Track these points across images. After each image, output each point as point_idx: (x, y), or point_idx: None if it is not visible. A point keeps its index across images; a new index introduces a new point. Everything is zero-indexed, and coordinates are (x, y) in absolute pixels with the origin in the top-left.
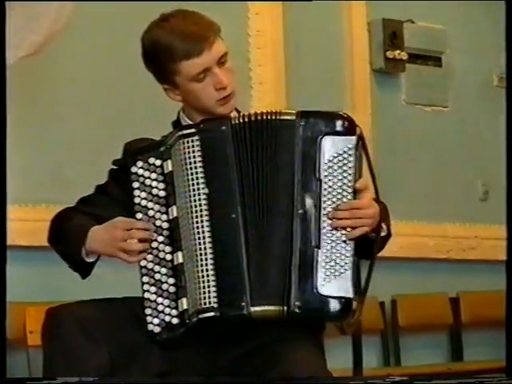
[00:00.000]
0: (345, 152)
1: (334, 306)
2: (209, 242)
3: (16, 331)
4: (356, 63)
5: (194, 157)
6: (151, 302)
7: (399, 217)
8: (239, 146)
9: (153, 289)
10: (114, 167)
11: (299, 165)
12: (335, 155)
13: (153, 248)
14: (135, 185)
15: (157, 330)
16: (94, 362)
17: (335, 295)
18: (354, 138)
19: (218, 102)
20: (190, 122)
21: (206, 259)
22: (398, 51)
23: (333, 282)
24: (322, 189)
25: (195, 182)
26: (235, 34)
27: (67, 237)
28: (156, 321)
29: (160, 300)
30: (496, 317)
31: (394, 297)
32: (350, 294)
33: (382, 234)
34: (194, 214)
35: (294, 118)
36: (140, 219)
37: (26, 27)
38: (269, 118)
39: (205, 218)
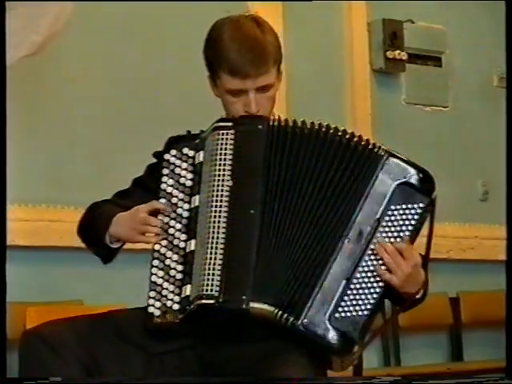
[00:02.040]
0: (413, 208)
1: (337, 339)
2: (222, 233)
3: (16, 331)
4: (356, 63)
5: (226, 149)
6: (157, 285)
7: None
8: (272, 146)
9: (161, 273)
10: (153, 162)
11: (364, 195)
12: (403, 206)
13: (169, 234)
14: (165, 171)
15: (157, 313)
16: (64, 373)
17: (342, 330)
18: (426, 199)
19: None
20: None
21: (217, 248)
22: (398, 51)
23: (346, 316)
24: (376, 230)
25: (221, 173)
26: None
27: (94, 223)
28: (158, 304)
29: (166, 285)
30: (496, 317)
31: None
32: (356, 338)
33: (416, 296)
34: (214, 204)
35: (382, 153)
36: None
37: (26, 27)
38: (331, 131)
39: (223, 209)
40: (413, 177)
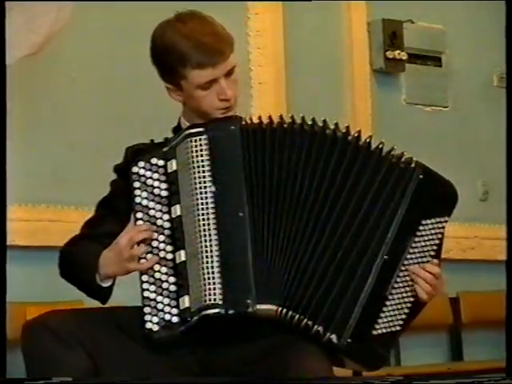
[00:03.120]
0: (440, 222)
1: (373, 357)
2: (215, 240)
3: (16, 331)
4: (356, 63)
5: (202, 155)
6: (150, 300)
7: None
8: (249, 145)
9: (152, 287)
10: (115, 178)
11: (399, 209)
12: (433, 220)
13: (153, 247)
14: (136, 184)
15: (155, 328)
16: (72, 365)
17: (379, 349)
18: (450, 213)
19: (218, 110)
20: None
21: (212, 256)
22: (398, 51)
23: (382, 334)
24: (409, 245)
25: (202, 180)
26: (235, 33)
27: (79, 269)
28: (155, 319)
29: (160, 299)
30: (496, 317)
31: None
32: (389, 354)
33: None
34: (201, 212)
35: (414, 166)
36: (140, 219)
37: (26, 27)
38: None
39: (211, 216)
40: (440, 190)
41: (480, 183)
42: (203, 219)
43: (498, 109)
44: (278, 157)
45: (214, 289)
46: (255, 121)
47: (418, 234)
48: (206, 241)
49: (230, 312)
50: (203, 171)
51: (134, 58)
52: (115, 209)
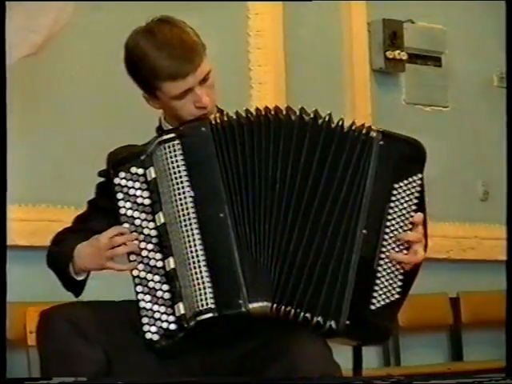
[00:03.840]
0: (414, 181)
1: (381, 335)
2: (199, 244)
3: (16, 331)
4: (356, 63)
5: (177, 161)
6: (147, 310)
7: None
8: (221, 144)
9: (147, 297)
10: (101, 180)
11: (370, 184)
12: (405, 182)
13: (143, 256)
14: (119, 196)
15: (155, 337)
16: (89, 359)
17: (380, 323)
18: (423, 168)
19: (196, 117)
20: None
21: (199, 261)
22: (398, 51)
23: (380, 307)
24: (386, 213)
25: (180, 186)
26: (235, 33)
27: (57, 258)
28: (154, 329)
29: (156, 308)
30: (496, 317)
31: None
32: (393, 324)
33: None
34: (182, 218)
35: (374, 135)
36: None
37: (26, 27)
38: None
39: (193, 221)
40: (405, 150)
41: (480, 183)
42: (185, 225)
43: (498, 109)
44: (249, 152)
45: (205, 293)
46: (224, 117)
47: (394, 198)
48: (191, 246)
49: (224, 314)
50: (180, 177)
51: None
52: (100, 209)
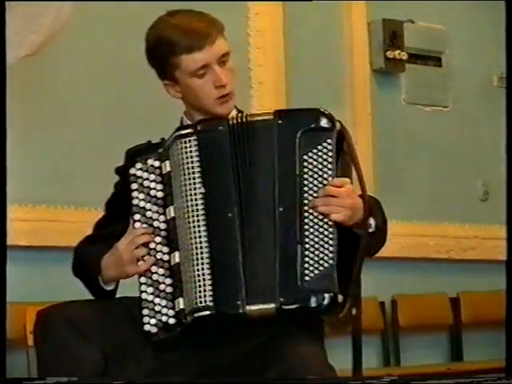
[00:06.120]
0: (324, 147)
1: (317, 300)
2: (205, 242)
3: (16, 331)
4: (356, 63)
5: (191, 157)
6: (148, 302)
7: (399, 217)
8: (236, 145)
9: (150, 289)
10: (118, 179)
11: (278, 163)
12: (314, 151)
13: (150, 249)
14: (134, 186)
15: (153, 330)
16: (86, 358)
17: (317, 289)
18: (332, 134)
19: (217, 100)
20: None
21: (202, 258)
22: (398, 51)
23: (315, 276)
24: (301, 185)
25: (192, 181)
26: (235, 34)
27: (85, 271)
28: (153, 321)
29: (157, 300)
30: (496, 317)
31: (394, 297)
32: (334, 288)
33: (370, 230)
34: (191, 214)
35: (271, 117)
36: (138, 220)
37: (26, 27)
38: (249, 119)
39: (201, 218)
40: (307, 122)
41: (480, 183)
42: (193, 221)
43: (498, 109)
44: (255, 155)
45: (205, 290)
46: (241, 119)
47: (306, 170)
48: (196, 242)
49: (221, 313)
50: (193, 172)
51: (134, 58)
52: (119, 210)
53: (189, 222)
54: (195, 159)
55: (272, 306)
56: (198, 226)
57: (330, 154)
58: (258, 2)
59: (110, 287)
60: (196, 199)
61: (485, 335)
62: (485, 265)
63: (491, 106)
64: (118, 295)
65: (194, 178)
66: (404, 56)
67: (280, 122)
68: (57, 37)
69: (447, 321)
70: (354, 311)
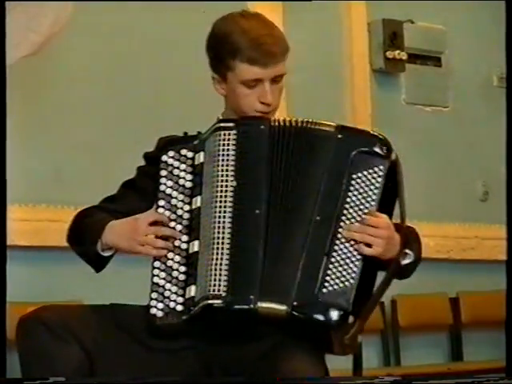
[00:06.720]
0: (375, 172)
1: (328, 313)
2: (228, 233)
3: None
4: (356, 63)
5: (228, 149)
6: (159, 286)
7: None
8: (274, 146)
9: (162, 274)
10: (143, 164)
11: (328, 175)
12: (364, 173)
13: (169, 236)
14: (163, 173)
15: (159, 314)
16: (66, 358)
17: (331, 303)
18: (385, 161)
19: (257, 113)
20: None
21: (223, 249)
22: (398, 51)
23: (333, 291)
24: (343, 201)
25: (225, 173)
26: None
27: (84, 231)
28: (160, 305)
29: (168, 286)
30: (496, 317)
31: (393, 297)
32: (348, 307)
33: (407, 260)
34: (218, 204)
35: (332, 130)
36: (162, 206)
37: (26, 27)
38: (308, 126)
39: (228, 210)
40: (367, 144)
41: (480, 183)
42: (219, 211)
43: (498, 109)
44: (297, 158)
45: (220, 280)
46: (282, 122)
47: (352, 188)
48: (219, 233)
49: (231, 305)
50: (227, 165)
51: (135, 58)
52: (138, 188)
53: (214, 213)
54: (231, 152)
55: (283, 307)
56: (224, 217)
57: (379, 179)
58: (258, 2)
59: (106, 253)
60: (226, 191)
61: (485, 335)
62: (485, 265)
63: (491, 106)
64: (106, 302)
65: (227, 170)
66: (404, 56)
67: (340, 136)
68: (57, 37)
69: (447, 321)
70: (360, 339)
